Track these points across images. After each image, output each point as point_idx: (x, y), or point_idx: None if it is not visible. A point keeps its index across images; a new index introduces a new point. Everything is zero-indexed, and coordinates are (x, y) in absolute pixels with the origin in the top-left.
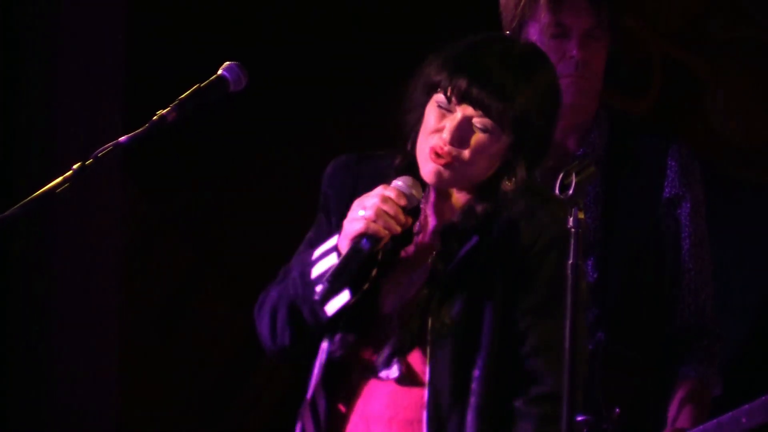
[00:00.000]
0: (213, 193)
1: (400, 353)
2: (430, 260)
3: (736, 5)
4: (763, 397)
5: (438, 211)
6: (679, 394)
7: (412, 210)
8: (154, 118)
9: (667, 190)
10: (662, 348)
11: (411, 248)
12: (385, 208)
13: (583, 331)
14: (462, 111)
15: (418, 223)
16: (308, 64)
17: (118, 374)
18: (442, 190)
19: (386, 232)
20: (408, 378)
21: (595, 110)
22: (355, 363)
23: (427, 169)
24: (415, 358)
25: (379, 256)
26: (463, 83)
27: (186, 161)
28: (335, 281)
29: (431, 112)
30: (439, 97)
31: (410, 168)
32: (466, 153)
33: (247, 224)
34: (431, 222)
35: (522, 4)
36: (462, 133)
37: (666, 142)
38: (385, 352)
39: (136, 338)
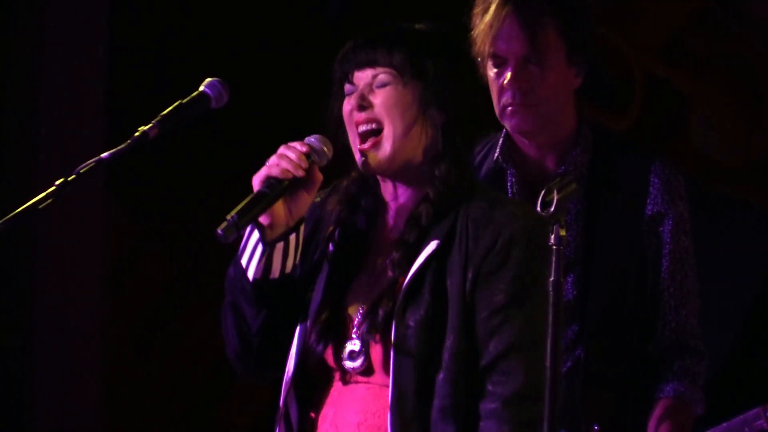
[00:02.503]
0: (195, 209)
1: (365, 348)
2: (389, 265)
3: (718, 22)
4: (742, 416)
5: (396, 219)
6: (657, 412)
7: (371, 213)
8: (136, 134)
9: (649, 207)
10: (644, 365)
11: (375, 248)
12: (287, 153)
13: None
14: (360, 80)
15: (378, 235)
16: (292, 80)
17: (101, 390)
18: (390, 186)
19: (288, 174)
20: (371, 371)
21: (572, 129)
22: (324, 369)
23: (356, 160)
24: (379, 358)
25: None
26: (349, 55)
27: (168, 178)
28: (240, 217)
29: (344, 105)
30: (344, 88)
31: (361, 182)
32: (377, 112)
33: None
34: (390, 223)
35: (477, 43)
36: (366, 97)
37: (649, 159)
38: (349, 347)
39: (119, 354)
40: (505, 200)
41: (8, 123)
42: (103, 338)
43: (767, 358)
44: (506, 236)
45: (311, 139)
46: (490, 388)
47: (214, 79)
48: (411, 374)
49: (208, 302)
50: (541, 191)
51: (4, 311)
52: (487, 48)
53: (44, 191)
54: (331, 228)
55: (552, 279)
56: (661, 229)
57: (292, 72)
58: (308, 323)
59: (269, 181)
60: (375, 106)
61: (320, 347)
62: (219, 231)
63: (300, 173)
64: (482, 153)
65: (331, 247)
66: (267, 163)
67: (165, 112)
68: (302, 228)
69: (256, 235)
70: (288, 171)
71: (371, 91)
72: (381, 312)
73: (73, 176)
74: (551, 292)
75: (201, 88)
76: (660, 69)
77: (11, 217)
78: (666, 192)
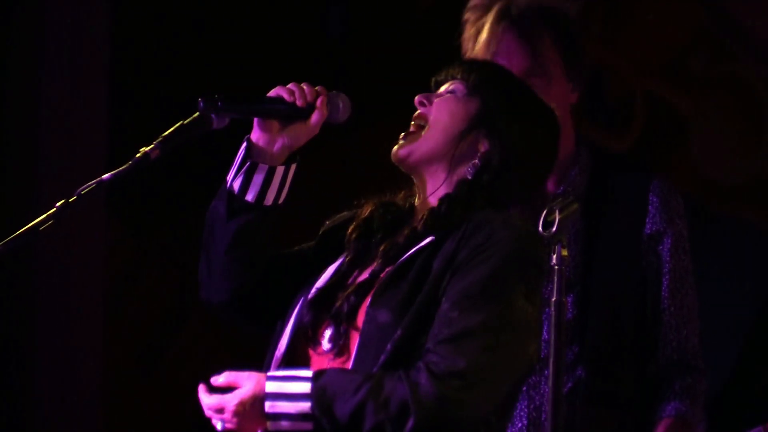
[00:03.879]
0: (195, 226)
1: (336, 334)
2: (377, 255)
3: (718, 42)
4: None
5: (421, 208)
6: None
7: (405, 212)
8: (138, 155)
9: (648, 226)
10: (644, 385)
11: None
12: (303, 85)
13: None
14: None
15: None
16: None
17: (103, 407)
18: (422, 186)
19: (292, 96)
20: (344, 354)
21: (571, 149)
22: (310, 350)
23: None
24: (351, 343)
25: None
26: (440, 70)
27: (168, 195)
28: (226, 101)
29: None
30: None
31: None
32: (429, 110)
33: None
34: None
35: (468, 45)
36: (430, 97)
37: (647, 178)
38: (327, 332)
39: (121, 371)
40: (513, 215)
41: (8, 144)
42: (105, 355)
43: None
44: (496, 238)
45: (334, 92)
46: (420, 363)
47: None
48: (371, 364)
49: (210, 319)
50: (541, 212)
51: (6, 330)
52: None
53: (45, 213)
54: (358, 224)
55: (554, 299)
56: (660, 248)
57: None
58: (305, 304)
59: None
60: (431, 106)
61: (309, 330)
62: (200, 100)
63: (300, 102)
64: None
65: (354, 239)
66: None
67: (166, 133)
68: (292, 168)
69: (243, 146)
70: (293, 93)
71: (438, 95)
72: (350, 300)
73: (74, 198)
74: (553, 312)
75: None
76: (660, 89)
77: (12, 238)
78: (665, 211)
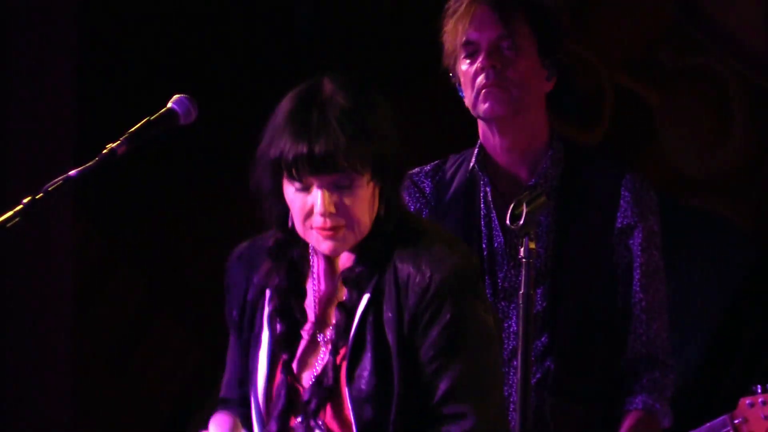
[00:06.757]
0: (166, 225)
1: (315, 415)
2: (328, 334)
3: (687, 34)
4: (708, 424)
5: (327, 276)
6: (625, 424)
7: (298, 288)
8: (104, 151)
9: (619, 220)
10: (613, 378)
11: (308, 324)
12: None
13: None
14: (318, 183)
15: (313, 295)
16: (261, 95)
17: (72, 409)
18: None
19: None
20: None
21: (544, 140)
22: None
23: (324, 247)
24: (334, 419)
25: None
26: (303, 162)
27: (138, 194)
28: None
29: (294, 199)
30: (291, 182)
31: (289, 243)
32: (350, 215)
33: (201, 257)
34: (322, 289)
35: (448, 40)
36: (333, 204)
37: (620, 171)
38: (302, 418)
39: (90, 372)
40: (430, 239)
41: None
42: (75, 356)
43: (736, 370)
44: (436, 283)
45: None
46: (443, 429)
47: (183, 95)
48: (373, 422)
49: (180, 318)
50: (511, 203)
51: None
52: (459, 39)
53: (11, 210)
54: (266, 289)
55: (522, 291)
56: (631, 241)
57: (261, 89)
58: (259, 393)
59: None
60: (345, 210)
61: (277, 422)
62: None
63: None
64: (455, 165)
65: (268, 307)
66: None
67: (133, 129)
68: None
69: None
70: None
71: (336, 193)
72: (326, 384)
73: (41, 195)
74: (521, 305)
75: (169, 105)
76: (629, 82)
77: None
78: (636, 205)
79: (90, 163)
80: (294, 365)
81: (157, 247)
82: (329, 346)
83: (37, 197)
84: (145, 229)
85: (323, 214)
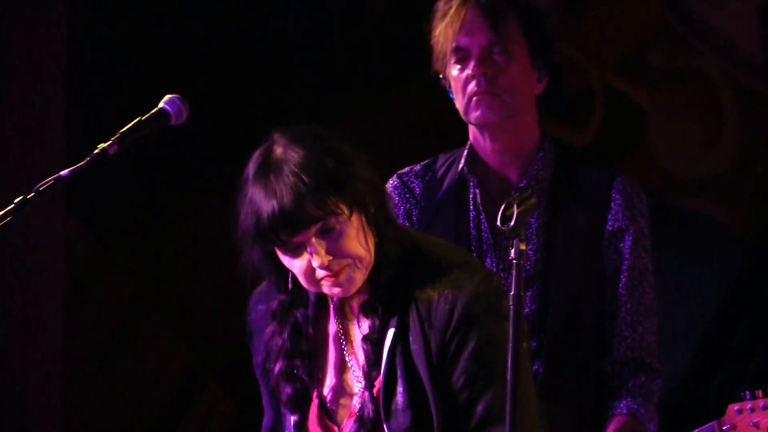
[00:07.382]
0: (155, 226)
1: None
2: (361, 366)
3: (676, 36)
4: (696, 430)
5: (339, 314)
6: (610, 428)
7: (301, 349)
8: (96, 151)
9: (610, 223)
10: (601, 381)
11: (333, 357)
12: None
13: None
14: (304, 239)
15: (334, 335)
16: (251, 97)
17: (62, 408)
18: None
19: None
20: None
21: (535, 141)
22: None
23: (336, 291)
24: None
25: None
26: (278, 221)
27: (128, 194)
28: None
29: (291, 264)
30: (282, 251)
31: (292, 303)
32: (348, 254)
33: (191, 258)
34: (333, 329)
35: (438, 45)
36: (328, 252)
37: (611, 174)
38: None
39: (80, 372)
40: (447, 264)
41: None
42: (64, 356)
43: (725, 375)
44: (460, 311)
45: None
46: None
47: (174, 95)
48: None
49: (169, 319)
50: (501, 205)
51: None
52: (449, 44)
53: (2, 209)
54: (277, 354)
55: (512, 293)
56: (621, 245)
57: (252, 90)
58: None
59: None
60: (342, 254)
61: None
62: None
63: None
64: (445, 165)
65: (281, 367)
66: None
67: (124, 129)
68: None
69: None
70: None
71: (327, 241)
72: (367, 416)
73: (32, 194)
74: (512, 307)
75: (160, 105)
76: (619, 83)
77: None
78: (627, 208)
79: (81, 163)
80: (329, 408)
81: (147, 248)
82: (363, 382)
83: (28, 197)
84: (134, 229)
85: (323, 267)
